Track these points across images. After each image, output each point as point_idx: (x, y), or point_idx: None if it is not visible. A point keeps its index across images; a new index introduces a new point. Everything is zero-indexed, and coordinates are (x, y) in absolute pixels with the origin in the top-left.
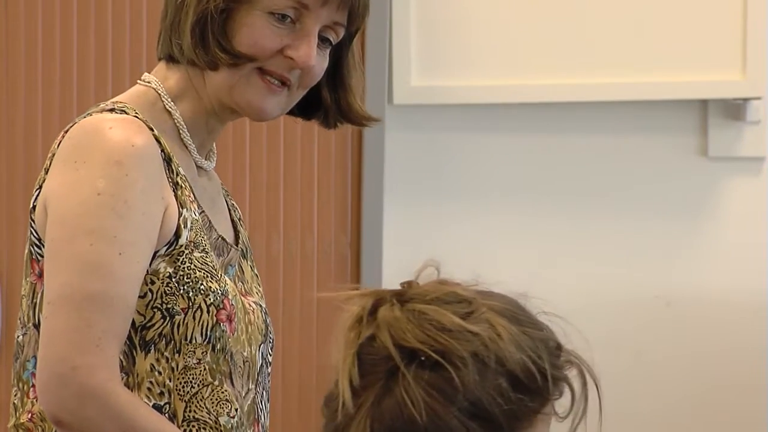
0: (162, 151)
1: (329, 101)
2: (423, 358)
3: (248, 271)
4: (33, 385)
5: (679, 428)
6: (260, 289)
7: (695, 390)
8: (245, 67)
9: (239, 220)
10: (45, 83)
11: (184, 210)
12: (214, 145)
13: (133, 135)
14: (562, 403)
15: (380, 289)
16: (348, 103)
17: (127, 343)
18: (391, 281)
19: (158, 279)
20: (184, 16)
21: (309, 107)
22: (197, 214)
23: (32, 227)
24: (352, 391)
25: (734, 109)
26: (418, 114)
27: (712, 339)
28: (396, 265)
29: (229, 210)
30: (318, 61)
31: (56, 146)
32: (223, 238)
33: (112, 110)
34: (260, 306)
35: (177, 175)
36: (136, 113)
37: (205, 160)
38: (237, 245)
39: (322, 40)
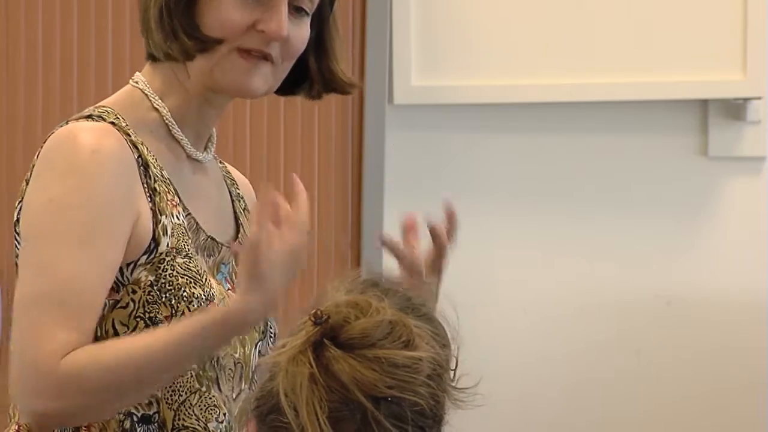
0: (139, 156)
1: (315, 70)
2: (389, 399)
3: None
4: None
5: (679, 428)
6: None
7: (695, 389)
8: (220, 49)
9: (244, 210)
10: (45, 84)
11: (163, 217)
12: (214, 133)
13: (99, 143)
14: None
15: (307, 339)
16: (330, 69)
17: None
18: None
19: (140, 288)
20: (150, 11)
21: (293, 80)
22: (182, 217)
23: (16, 239)
24: None
25: (734, 109)
26: (418, 114)
27: (713, 338)
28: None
29: (233, 200)
30: (296, 31)
31: (36, 157)
32: (212, 238)
33: (89, 117)
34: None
35: (155, 181)
36: (117, 116)
37: (204, 150)
38: (236, 238)
39: (297, 9)
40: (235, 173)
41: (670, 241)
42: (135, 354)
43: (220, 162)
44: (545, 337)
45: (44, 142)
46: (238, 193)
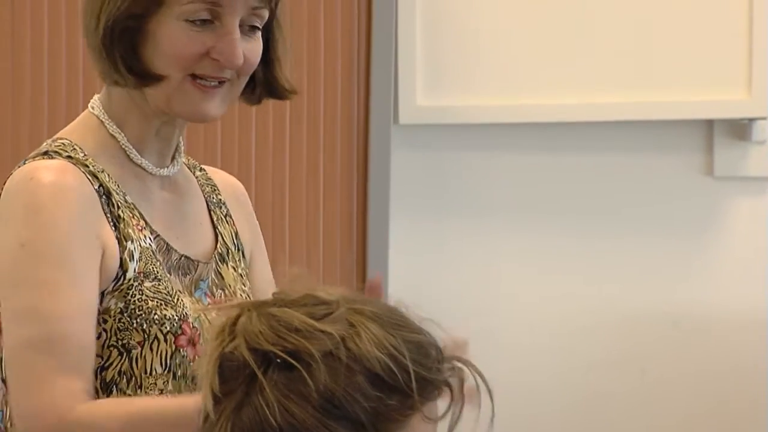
0: (100, 186)
1: (260, 77)
2: (278, 361)
3: (229, 274)
4: None
5: None
6: (246, 288)
7: (700, 408)
8: (173, 78)
9: (225, 216)
10: (50, 85)
11: (129, 243)
12: (182, 142)
13: (57, 181)
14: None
15: (247, 300)
16: (274, 75)
17: None
18: (396, 298)
19: (110, 317)
20: (91, 41)
21: None
22: (149, 240)
23: None
24: (214, 399)
25: (740, 129)
26: (423, 133)
27: (718, 357)
28: (401, 282)
29: (210, 210)
30: (250, 49)
31: None
32: (186, 257)
33: (46, 153)
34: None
35: (119, 207)
36: (75, 147)
37: (171, 162)
38: (215, 249)
39: (250, 27)
40: (218, 176)
41: (675, 260)
42: (148, 415)
43: (200, 169)
44: (551, 354)
45: (4, 183)
46: (219, 200)
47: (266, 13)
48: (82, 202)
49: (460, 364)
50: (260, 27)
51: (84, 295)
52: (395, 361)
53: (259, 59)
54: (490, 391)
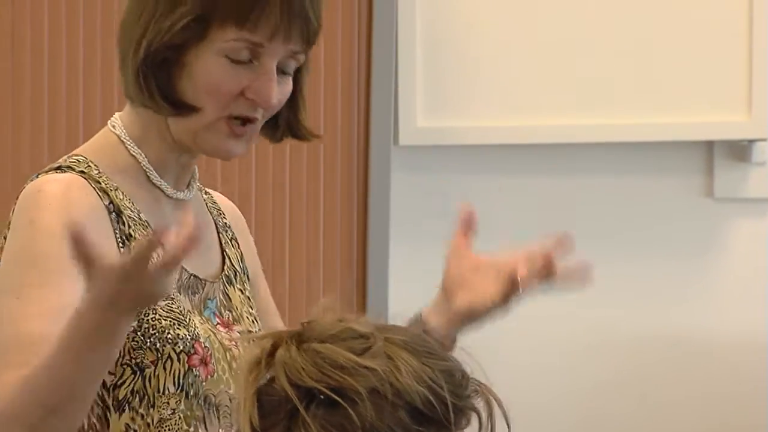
0: (111, 203)
1: (284, 117)
2: (322, 397)
3: (236, 296)
4: None
5: None
6: (252, 311)
7: (700, 430)
8: (206, 114)
9: (230, 240)
10: (51, 85)
11: None
12: (196, 169)
13: (59, 194)
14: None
15: (280, 331)
16: (298, 118)
17: (101, 405)
18: (396, 322)
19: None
20: (128, 61)
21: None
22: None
23: None
24: None
25: (740, 150)
26: (423, 155)
27: (718, 379)
28: (402, 306)
29: (218, 232)
30: (280, 91)
31: (11, 213)
32: (195, 276)
33: (59, 168)
34: (250, 333)
35: (130, 226)
36: (89, 164)
37: (186, 187)
38: (222, 271)
39: (283, 70)
40: (221, 201)
41: (675, 282)
42: (39, 372)
43: (206, 192)
44: (550, 376)
45: (6, 185)
46: (225, 223)
47: (303, 59)
48: (85, 213)
49: (479, 387)
50: (293, 70)
51: (55, 299)
52: (434, 393)
53: (285, 100)
54: (506, 416)
